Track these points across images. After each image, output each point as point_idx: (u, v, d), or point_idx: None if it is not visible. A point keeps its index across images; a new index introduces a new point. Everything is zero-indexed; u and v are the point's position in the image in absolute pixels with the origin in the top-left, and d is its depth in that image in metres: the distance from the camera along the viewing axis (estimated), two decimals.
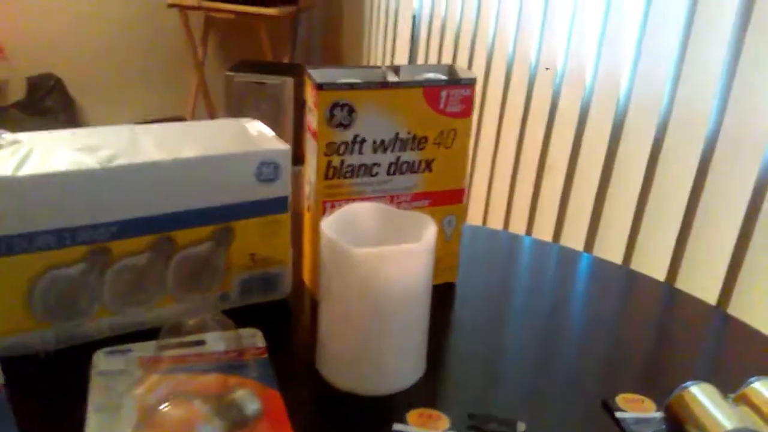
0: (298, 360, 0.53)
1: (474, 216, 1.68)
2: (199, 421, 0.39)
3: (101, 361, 0.49)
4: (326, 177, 0.56)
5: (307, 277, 0.64)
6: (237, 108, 2.44)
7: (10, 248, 0.46)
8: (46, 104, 2.80)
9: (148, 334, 0.52)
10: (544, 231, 1.40)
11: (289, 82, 2.39)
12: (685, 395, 0.45)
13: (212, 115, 2.97)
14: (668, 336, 0.61)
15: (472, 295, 0.65)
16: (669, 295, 0.70)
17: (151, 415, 0.39)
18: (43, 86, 2.82)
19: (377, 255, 0.45)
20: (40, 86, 2.82)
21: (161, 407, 0.39)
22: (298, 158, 0.57)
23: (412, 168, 0.58)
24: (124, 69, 2.98)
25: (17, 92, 2.83)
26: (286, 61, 2.98)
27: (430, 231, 0.48)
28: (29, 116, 2.73)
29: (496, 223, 1.58)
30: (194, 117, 2.87)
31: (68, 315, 0.50)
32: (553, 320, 0.62)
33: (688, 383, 0.46)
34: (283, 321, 0.59)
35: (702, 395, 0.44)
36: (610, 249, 1.21)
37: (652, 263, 1.11)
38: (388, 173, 0.58)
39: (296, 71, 2.48)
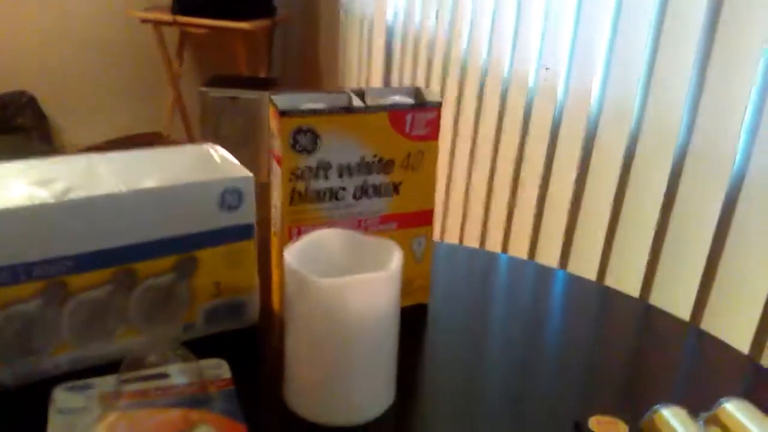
0: (266, 390, 0.52)
1: (450, 233, 1.68)
2: None
3: (60, 397, 0.47)
4: (291, 202, 0.55)
5: (276, 303, 0.62)
6: (213, 123, 2.42)
7: None
8: (18, 122, 2.76)
9: (110, 367, 0.50)
10: (520, 246, 1.40)
11: (264, 96, 2.38)
12: (656, 418, 0.44)
13: (188, 131, 2.95)
14: (643, 355, 0.60)
15: (446, 315, 0.64)
16: (643, 311, 0.70)
17: None
18: (15, 103, 2.78)
19: (341, 285, 0.44)
20: (11, 103, 2.77)
21: None
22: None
23: (379, 191, 0.58)
24: (99, 85, 2.95)
25: None
26: (262, 75, 2.97)
27: (395, 257, 0.47)
28: (1, 135, 2.68)
29: (472, 239, 1.58)
30: (171, 132, 2.84)
31: (26, 351, 0.48)
32: (528, 342, 0.61)
33: (659, 406, 0.45)
34: (250, 349, 0.57)
35: (673, 418, 0.44)
36: (585, 262, 1.21)
37: (627, 276, 1.11)
38: (355, 197, 0.57)
39: (272, 86, 2.47)
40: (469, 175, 1.58)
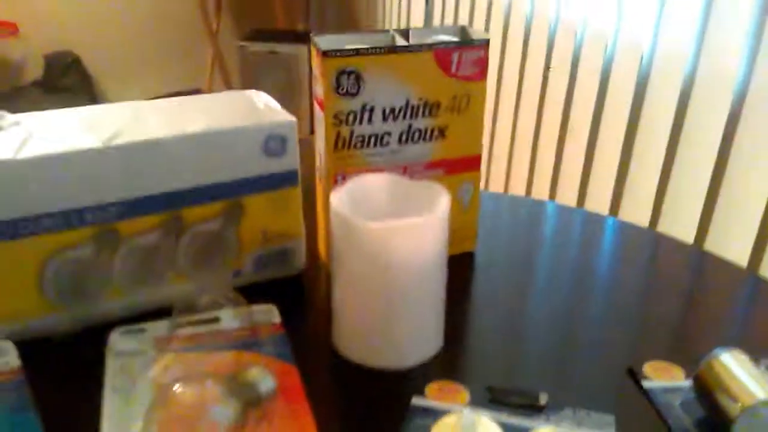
0: (315, 335, 0.52)
1: (496, 182, 1.65)
2: (211, 401, 0.38)
3: (116, 341, 0.49)
4: (336, 148, 0.54)
5: (322, 249, 0.62)
6: (252, 78, 2.42)
7: (17, 231, 0.46)
8: (64, 82, 2.80)
9: (162, 313, 0.51)
10: (567, 195, 1.36)
11: (303, 50, 2.36)
12: (715, 363, 0.43)
13: (228, 87, 2.95)
14: (697, 301, 0.59)
15: (493, 264, 0.63)
16: (698, 258, 0.67)
17: (165, 396, 0.39)
18: (61, 64, 2.82)
19: (389, 229, 0.44)
20: (57, 64, 2.82)
21: (175, 388, 0.38)
22: (313, 129, 0.55)
23: (424, 136, 0.56)
24: (140, 43, 2.97)
25: (34, 71, 2.84)
26: (300, 28, 2.94)
27: (442, 201, 0.46)
28: (47, 95, 2.74)
29: (518, 188, 1.55)
30: (211, 89, 2.85)
31: (80, 297, 0.50)
32: (577, 287, 0.60)
33: (718, 350, 0.44)
34: (298, 296, 0.58)
35: (733, 363, 0.42)
36: (637, 212, 1.18)
37: (680, 225, 1.08)
38: (400, 142, 0.56)
39: (310, 39, 2.45)
40: (515, 122, 1.54)
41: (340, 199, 0.46)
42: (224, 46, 2.90)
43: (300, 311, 0.55)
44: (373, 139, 0.55)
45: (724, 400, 0.41)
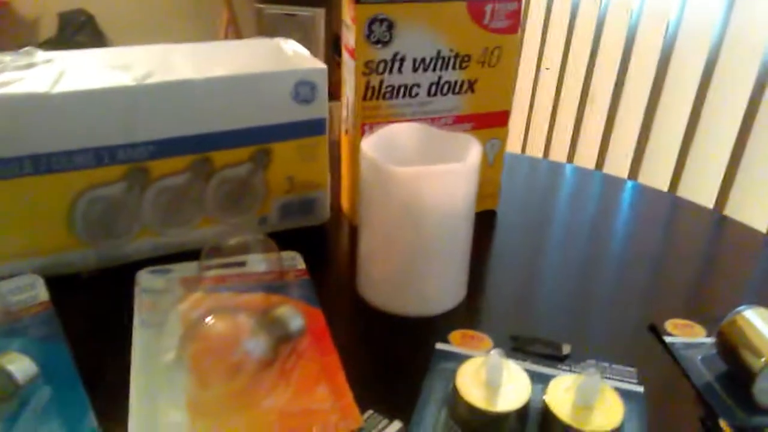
0: (339, 283, 0.53)
1: (513, 144, 1.64)
2: (244, 334, 0.39)
3: (144, 279, 0.49)
4: (365, 98, 0.54)
5: (345, 204, 0.63)
6: None
7: (50, 166, 0.46)
8: (78, 40, 2.79)
9: (189, 255, 0.52)
10: (586, 160, 1.36)
11: (320, 13, 2.33)
12: (739, 319, 0.43)
13: None
14: (716, 263, 0.59)
15: (514, 222, 0.64)
16: (717, 222, 0.67)
17: (196, 328, 0.39)
18: (75, 22, 2.81)
19: (420, 174, 0.44)
20: (71, 22, 2.80)
21: (207, 320, 0.39)
22: (330, 94, 0.55)
23: (454, 89, 0.56)
24: (154, 3, 2.94)
25: (49, 29, 2.82)
26: None
27: (475, 151, 0.46)
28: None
29: (536, 151, 1.54)
30: None
31: (109, 234, 0.50)
32: (596, 247, 0.60)
33: (742, 307, 0.44)
34: (321, 246, 0.58)
35: (757, 319, 0.43)
36: (656, 178, 1.17)
37: (701, 192, 1.07)
38: (429, 94, 0.56)
39: (328, 2, 2.41)
40: (534, 88, 1.53)
41: (371, 144, 0.47)
42: (240, 7, 2.87)
43: (323, 261, 0.56)
44: (402, 90, 0.55)
45: (746, 355, 0.41)
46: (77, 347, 0.43)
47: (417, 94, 0.55)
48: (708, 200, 1.05)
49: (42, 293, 0.47)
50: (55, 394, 0.39)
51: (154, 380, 0.39)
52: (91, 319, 0.47)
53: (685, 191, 1.11)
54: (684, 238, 0.63)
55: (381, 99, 0.54)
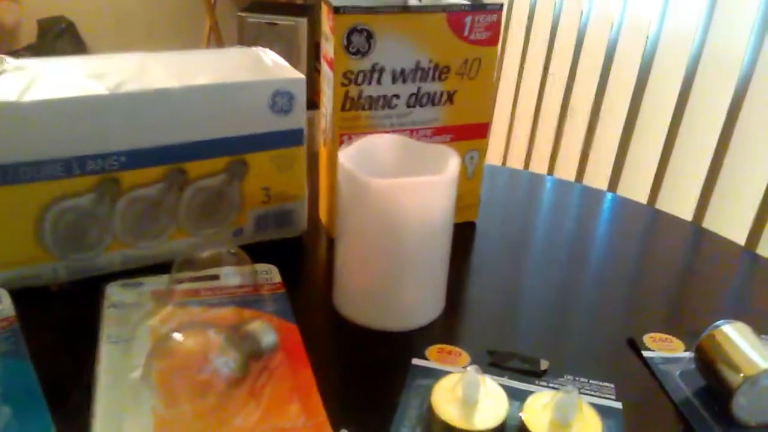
0: (315, 296, 0.52)
1: (493, 156, 1.64)
2: (213, 351, 0.37)
3: (114, 293, 0.48)
4: (343, 108, 0.54)
5: (323, 215, 0.62)
6: None
7: (17, 176, 0.45)
8: (57, 47, 2.76)
9: (161, 268, 0.51)
10: (566, 172, 1.36)
11: (302, 23, 2.33)
12: (717, 334, 0.43)
13: None
14: (695, 276, 0.59)
15: (493, 234, 0.63)
16: (696, 234, 0.68)
17: (164, 345, 0.38)
18: (54, 29, 2.78)
19: (397, 186, 0.43)
20: (50, 29, 2.77)
21: (175, 336, 0.38)
22: (311, 103, 0.54)
23: (433, 100, 0.56)
24: (135, 10, 2.92)
25: (28, 36, 2.79)
26: (299, 1, 2.91)
27: (453, 163, 0.46)
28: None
29: (516, 163, 1.54)
30: None
31: (79, 247, 0.49)
32: (575, 260, 0.60)
33: (720, 322, 0.44)
34: (298, 258, 0.57)
35: (735, 334, 0.42)
36: (635, 191, 1.18)
37: (679, 205, 1.08)
38: (408, 105, 0.55)
39: (310, 11, 2.41)
40: (515, 99, 1.53)
41: (348, 155, 0.46)
42: (222, 15, 2.86)
43: (300, 274, 0.55)
44: (381, 101, 0.54)
45: (725, 371, 0.41)
46: (42, 364, 0.41)
47: (396, 105, 0.55)
48: (687, 213, 1.06)
49: (7, 308, 0.46)
50: (15, 415, 0.37)
51: (120, 398, 0.38)
52: (59, 333, 0.46)
53: (663, 204, 1.12)
54: (663, 250, 0.63)
55: (359, 110, 0.54)
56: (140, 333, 0.43)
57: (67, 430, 0.37)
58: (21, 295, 0.47)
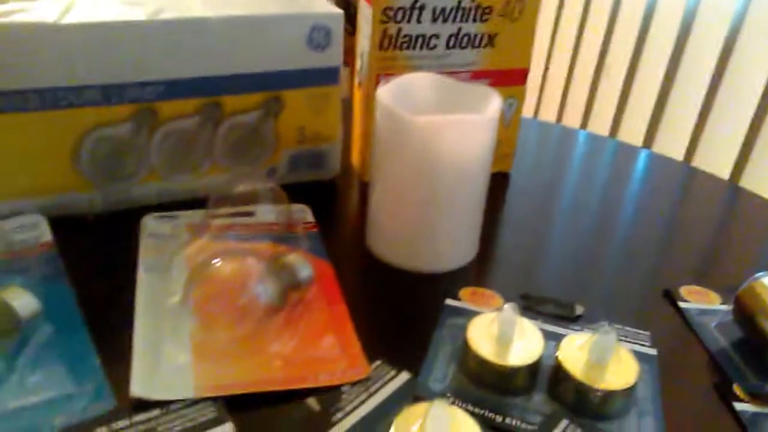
0: (348, 237, 0.52)
1: (526, 109, 1.63)
2: (252, 278, 0.38)
3: (150, 224, 0.48)
4: (381, 47, 0.52)
5: (356, 160, 0.61)
6: None
7: (56, 102, 0.45)
8: None
9: (196, 203, 0.51)
10: (600, 128, 1.34)
11: None
12: (757, 286, 0.42)
13: None
14: (731, 233, 0.58)
15: (527, 185, 0.62)
16: (732, 192, 0.66)
17: (203, 271, 0.38)
18: None
19: (438, 124, 0.42)
20: None
21: (214, 263, 0.38)
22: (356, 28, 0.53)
23: (473, 42, 0.54)
24: None
25: None
26: None
27: (495, 102, 0.45)
28: None
29: (549, 117, 1.52)
30: None
31: (115, 176, 0.49)
32: (609, 212, 0.59)
33: (760, 273, 0.43)
34: (331, 200, 0.57)
35: None
36: (671, 149, 1.16)
37: (716, 164, 1.06)
38: (447, 47, 0.54)
39: None
40: (549, 52, 1.50)
41: (387, 92, 0.45)
42: None
43: (332, 215, 0.55)
44: (420, 41, 0.53)
45: (764, 321, 0.41)
46: (80, 289, 0.42)
47: (435, 46, 0.54)
48: (724, 172, 1.04)
49: (45, 233, 0.46)
50: (56, 333, 0.38)
51: (159, 323, 0.38)
52: (95, 262, 0.46)
53: (700, 163, 1.10)
54: (698, 206, 0.62)
55: (397, 49, 0.53)
56: (177, 262, 0.43)
57: (106, 350, 0.37)
58: (58, 224, 0.47)
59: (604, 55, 1.32)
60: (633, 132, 1.24)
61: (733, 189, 0.67)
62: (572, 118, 1.44)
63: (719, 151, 1.05)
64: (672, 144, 1.16)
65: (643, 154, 0.73)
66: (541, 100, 1.55)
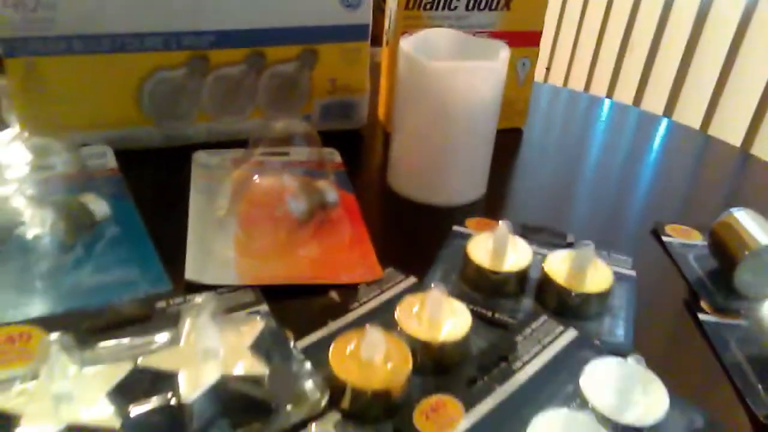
0: (371, 177, 0.59)
1: (556, 75, 1.69)
2: (287, 193, 0.45)
3: (201, 157, 0.56)
4: (407, 6, 0.59)
5: (381, 113, 0.68)
6: None
7: (124, 46, 0.52)
8: None
9: (239, 144, 0.58)
10: (624, 96, 1.40)
11: None
12: (730, 218, 0.47)
13: None
14: (736, 195, 0.62)
15: (539, 142, 0.68)
16: (743, 160, 0.71)
17: (245, 185, 0.45)
18: None
19: (453, 69, 0.49)
20: None
21: (254, 178, 0.45)
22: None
23: (491, 4, 0.60)
24: None
25: None
26: None
27: (503, 53, 0.51)
28: None
29: (577, 85, 1.59)
30: None
31: (172, 115, 0.56)
32: (621, 169, 0.64)
33: (735, 208, 0.48)
34: (357, 147, 0.64)
35: (746, 218, 0.47)
36: (690, 119, 1.20)
37: (731, 134, 1.10)
38: (467, 8, 0.60)
39: None
40: (581, 19, 1.55)
41: (409, 42, 0.51)
42: None
43: (358, 159, 0.61)
44: (442, 2, 0.59)
45: (733, 247, 0.46)
46: (141, 206, 0.49)
47: (456, 8, 0.60)
48: (737, 141, 1.09)
49: (112, 161, 0.54)
50: (123, 233, 0.45)
51: (208, 229, 0.46)
52: (153, 187, 0.54)
53: (716, 131, 1.15)
54: (710, 172, 0.66)
55: (421, 9, 0.59)
56: (224, 185, 0.50)
57: (164, 249, 0.45)
58: (122, 155, 0.55)
59: (630, 30, 1.36)
60: (654, 103, 1.28)
61: (744, 156, 0.72)
62: (599, 88, 1.50)
63: (733, 121, 1.09)
64: (690, 114, 1.20)
65: (661, 122, 0.77)
66: (570, 71, 1.61)
